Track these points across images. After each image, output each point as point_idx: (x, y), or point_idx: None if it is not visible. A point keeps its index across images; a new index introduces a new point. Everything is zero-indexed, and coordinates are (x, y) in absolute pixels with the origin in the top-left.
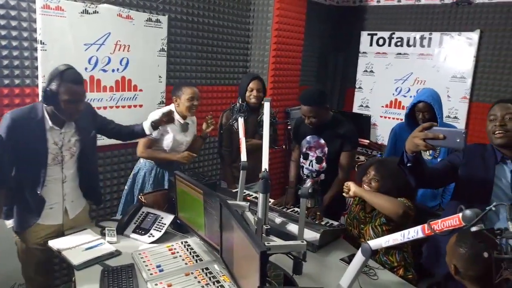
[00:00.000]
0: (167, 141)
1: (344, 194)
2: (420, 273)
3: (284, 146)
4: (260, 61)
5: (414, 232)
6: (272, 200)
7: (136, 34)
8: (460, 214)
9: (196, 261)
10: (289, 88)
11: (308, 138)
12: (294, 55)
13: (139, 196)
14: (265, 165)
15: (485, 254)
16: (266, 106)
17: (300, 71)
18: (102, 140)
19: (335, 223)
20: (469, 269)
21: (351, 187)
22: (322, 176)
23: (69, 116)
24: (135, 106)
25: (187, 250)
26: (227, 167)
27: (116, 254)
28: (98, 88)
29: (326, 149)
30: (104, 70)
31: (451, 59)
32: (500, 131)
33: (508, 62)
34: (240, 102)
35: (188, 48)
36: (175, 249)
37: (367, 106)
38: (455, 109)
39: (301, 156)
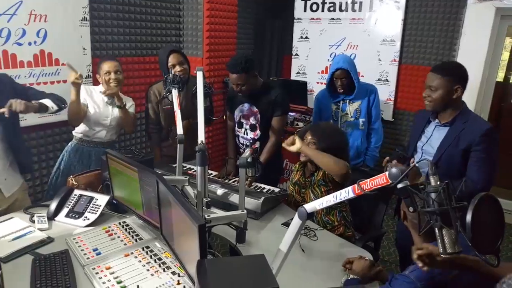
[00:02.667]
0: (89, 114)
1: (284, 145)
2: (359, 231)
3: (224, 117)
4: (193, 28)
5: (346, 193)
6: (214, 172)
7: (53, 2)
8: (387, 173)
9: (136, 241)
10: (226, 57)
11: (241, 106)
12: (229, 22)
13: (69, 179)
14: (201, 137)
15: (411, 209)
16: (199, 75)
17: (236, 39)
18: (25, 121)
19: (276, 189)
20: (414, 218)
21: (297, 143)
22: (257, 144)
23: None
24: (58, 81)
25: (126, 230)
26: (156, 146)
27: (48, 241)
28: (14, 64)
29: (259, 116)
30: (19, 44)
31: (381, 23)
32: (427, 100)
33: (433, 25)
34: (173, 72)
35: (113, 16)
36: (112, 230)
37: (304, 73)
38: (386, 71)
39: (236, 125)
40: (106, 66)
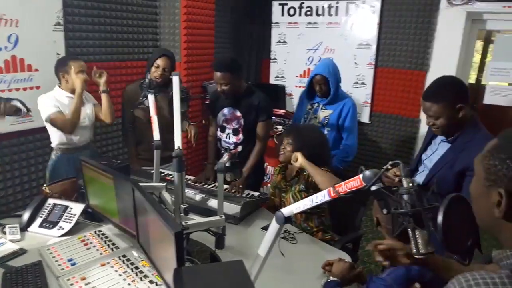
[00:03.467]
0: None
1: (292, 162)
2: (338, 233)
3: (203, 122)
4: (171, 33)
5: (322, 196)
6: (192, 177)
7: (24, 7)
8: (361, 175)
9: (112, 250)
10: (204, 62)
11: (224, 110)
12: (206, 27)
13: (42, 187)
14: (178, 142)
15: (384, 211)
16: (175, 80)
17: (214, 43)
18: None
19: (256, 193)
20: (387, 223)
21: (299, 158)
22: (240, 148)
23: None
24: (31, 88)
25: (102, 239)
26: (132, 148)
27: (20, 253)
28: None
29: (242, 120)
30: None
31: (357, 27)
32: (433, 128)
33: (407, 28)
34: (149, 77)
35: (89, 21)
36: (88, 239)
37: (282, 77)
38: (363, 75)
39: (218, 129)
40: (79, 64)
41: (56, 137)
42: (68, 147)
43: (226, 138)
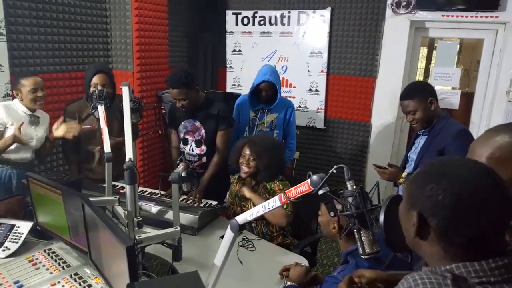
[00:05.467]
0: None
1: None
2: (298, 237)
3: (160, 132)
4: (122, 42)
5: (273, 202)
6: (149, 190)
7: None
8: (309, 180)
9: (63, 268)
10: (158, 71)
11: (184, 123)
12: (159, 36)
13: None
14: (129, 154)
15: (331, 214)
16: (125, 91)
17: (168, 52)
18: None
19: (214, 202)
20: (325, 227)
21: (245, 192)
22: (204, 159)
23: None
24: None
25: (52, 258)
26: (74, 167)
27: None
28: None
29: (203, 131)
30: None
31: (309, 36)
32: (413, 124)
33: (356, 37)
34: (98, 88)
35: (34, 31)
36: (37, 259)
37: (239, 85)
38: (316, 82)
39: (181, 141)
40: (31, 82)
41: None
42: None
43: (189, 150)
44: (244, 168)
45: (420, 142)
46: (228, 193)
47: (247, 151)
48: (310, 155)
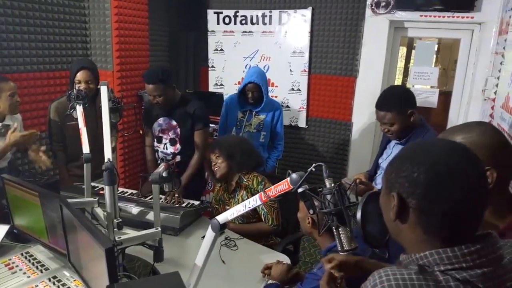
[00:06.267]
0: None
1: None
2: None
3: (141, 132)
4: (101, 41)
5: (254, 201)
6: (130, 190)
7: None
8: (288, 178)
9: (41, 271)
10: (139, 70)
11: (159, 121)
12: (140, 34)
13: None
14: (108, 155)
15: (311, 211)
16: (103, 90)
17: (149, 51)
18: None
19: (196, 202)
20: (307, 228)
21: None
22: (178, 158)
23: None
24: None
25: (29, 262)
26: (62, 165)
27: None
28: None
29: (178, 130)
30: None
31: (290, 36)
32: (388, 134)
33: (336, 36)
34: (76, 88)
35: (10, 29)
36: (13, 263)
37: (221, 84)
38: (298, 81)
39: (155, 139)
40: (9, 86)
41: None
42: None
43: (164, 148)
44: (216, 171)
45: (393, 150)
46: (212, 194)
47: (212, 155)
48: (293, 154)
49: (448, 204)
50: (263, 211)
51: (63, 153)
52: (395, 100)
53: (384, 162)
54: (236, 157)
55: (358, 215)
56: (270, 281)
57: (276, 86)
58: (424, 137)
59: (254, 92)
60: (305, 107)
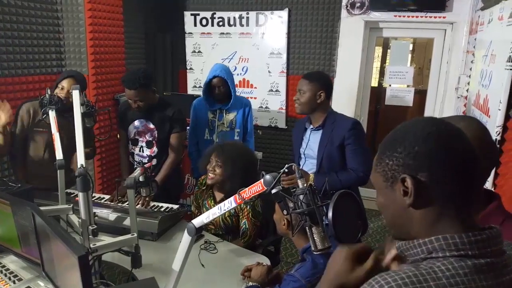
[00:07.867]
0: None
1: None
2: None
3: (118, 136)
4: (76, 45)
5: (229, 203)
6: (107, 196)
7: None
8: (262, 179)
9: (14, 282)
10: (115, 73)
11: (135, 123)
12: (115, 37)
13: None
14: (81, 160)
15: (284, 212)
16: (75, 94)
17: (125, 54)
18: None
19: (175, 206)
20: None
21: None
22: (154, 161)
23: None
24: None
25: (1, 273)
26: (20, 165)
27: None
28: None
29: (156, 132)
30: None
31: (268, 37)
32: (296, 103)
33: (313, 37)
34: (49, 93)
35: None
36: None
37: (200, 87)
38: (276, 83)
39: (130, 142)
40: None
41: None
42: None
43: (139, 151)
44: (210, 175)
45: (311, 138)
46: (193, 197)
47: (214, 158)
48: (273, 155)
49: (455, 157)
50: (244, 226)
51: (23, 155)
52: (317, 76)
53: (307, 149)
54: (230, 176)
55: (330, 214)
56: (250, 283)
57: (255, 88)
58: (336, 119)
59: (221, 86)
60: (284, 108)
